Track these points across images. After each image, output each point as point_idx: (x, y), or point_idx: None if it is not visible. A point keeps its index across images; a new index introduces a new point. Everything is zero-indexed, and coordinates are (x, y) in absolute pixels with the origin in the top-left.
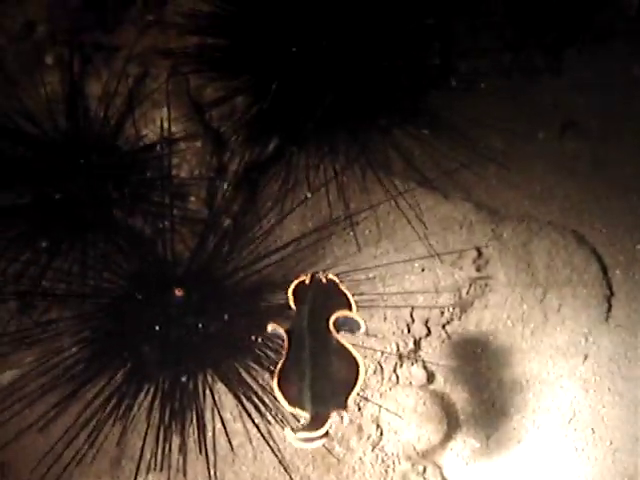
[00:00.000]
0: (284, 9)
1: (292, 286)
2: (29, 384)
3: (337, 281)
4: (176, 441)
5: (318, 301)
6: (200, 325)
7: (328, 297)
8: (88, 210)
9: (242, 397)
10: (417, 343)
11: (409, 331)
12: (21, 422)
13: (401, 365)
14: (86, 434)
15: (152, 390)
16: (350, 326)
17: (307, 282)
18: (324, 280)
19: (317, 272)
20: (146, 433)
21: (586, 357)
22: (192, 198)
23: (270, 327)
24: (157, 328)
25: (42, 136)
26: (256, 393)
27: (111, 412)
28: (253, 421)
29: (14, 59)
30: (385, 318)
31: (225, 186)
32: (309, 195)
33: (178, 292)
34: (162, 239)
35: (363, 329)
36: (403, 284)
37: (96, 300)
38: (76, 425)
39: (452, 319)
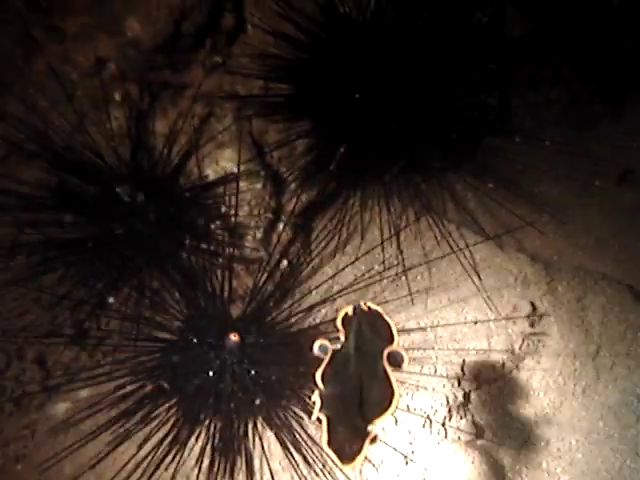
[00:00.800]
0: (348, 56)
1: (339, 318)
2: (83, 420)
3: (380, 311)
4: None
5: (364, 331)
6: (253, 371)
7: (373, 327)
8: (147, 246)
9: (291, 448)
10: (467, 397)
11: (459, 384)
12: (75, 457)
13: (450, 419)
14: (137, 476)
15: (203, 435)
16: (395, 359)
17: (351, 313)
18: (367, 309)
19: (359, 303)
20: (197, 478)
21: (638, 418)
22: (249, 238)
23: (317, 344)
24: (210, 373)
25: (106, 170)
26: (305, 443)
27: (162, 455)
28: (301, 473)
29: (84, 94)
30: (435, 370)
31: (282, 227)
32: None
33: (233, 337)
34: (219, 279)
35: (406, 361)
36: (455, 336)
37: (150, 342)
38: (127, 466)
39: (503, 374)
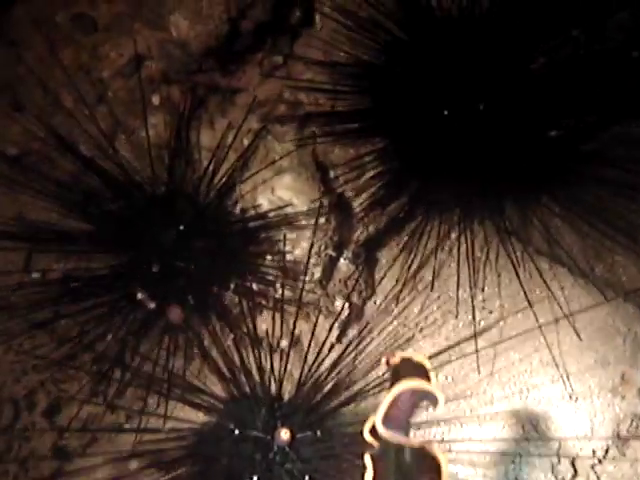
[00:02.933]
0: (437, 63)
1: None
2: None
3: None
4: None
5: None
6: (307, 478)
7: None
8: (183, 287)
9: None
10: None
11: (552, 471)
12: None
13: None
14: None
15: None
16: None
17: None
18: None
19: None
20: None
21: None
22: (306, 278)
23: None
24: (255, 478)
25: (138, 189)
26: None
27: None
28: None
29: (115, 96)
30: (526, 458)
31: (344, 263)
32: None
33: (284, 434)
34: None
35: (442, 403)
36: (549, 412)
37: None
38: None
39: (605, 458)
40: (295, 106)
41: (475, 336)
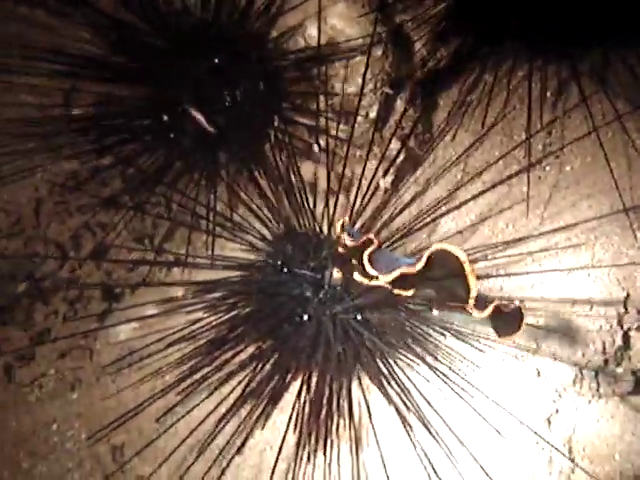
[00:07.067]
0: None
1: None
2: (147, 347)
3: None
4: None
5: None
6: (359, 317)
7: None
8: (225, 129)
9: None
10: (626, 339)
11: (619, 323)
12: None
13: (605, 368)
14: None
15: (293, 392)
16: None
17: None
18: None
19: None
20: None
21: None
22: (359, 118)
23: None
24: (305, 317)
25: (172, 19)
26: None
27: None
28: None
29: None
30: (591, 307)
31: (401, 103)
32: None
33: (336, 272)
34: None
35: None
36: (620, 260)
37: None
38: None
39: None
40: None
41: (528, 176)
